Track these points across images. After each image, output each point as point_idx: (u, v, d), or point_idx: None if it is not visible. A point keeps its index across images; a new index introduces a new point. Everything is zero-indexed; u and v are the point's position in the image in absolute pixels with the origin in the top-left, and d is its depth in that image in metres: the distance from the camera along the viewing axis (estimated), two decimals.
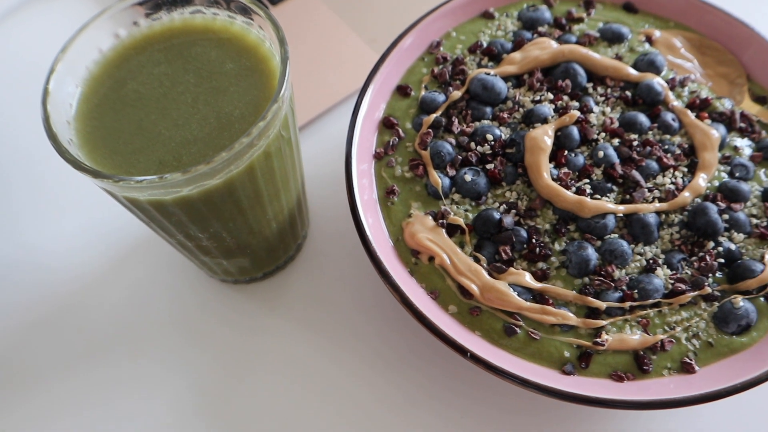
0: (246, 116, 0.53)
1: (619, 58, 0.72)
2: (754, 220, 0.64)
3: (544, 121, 0.66)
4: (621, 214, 0.62)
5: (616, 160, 0.64)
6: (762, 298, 0.61)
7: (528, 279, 0.60)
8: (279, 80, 0.51)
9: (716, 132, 0.66)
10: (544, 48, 0.70)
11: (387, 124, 0.69)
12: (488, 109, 0.68)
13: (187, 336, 0.69)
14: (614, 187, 0.64)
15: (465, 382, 0.65)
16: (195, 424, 0.64)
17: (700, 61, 0.74)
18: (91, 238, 0.75)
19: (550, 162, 0.65)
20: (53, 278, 0.72)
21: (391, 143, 0.67)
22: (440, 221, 0.62)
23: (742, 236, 0.63)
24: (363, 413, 0.64)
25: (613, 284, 0.60)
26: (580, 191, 0.62)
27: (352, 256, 0.72)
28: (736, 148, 0.68)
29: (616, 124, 0.67)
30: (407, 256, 0.63)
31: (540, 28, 0.74)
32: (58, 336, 0.69)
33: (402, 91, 0.71)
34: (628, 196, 0.63)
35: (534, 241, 0.61)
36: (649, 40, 0.74)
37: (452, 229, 0.63)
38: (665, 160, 0.65)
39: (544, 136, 0.64)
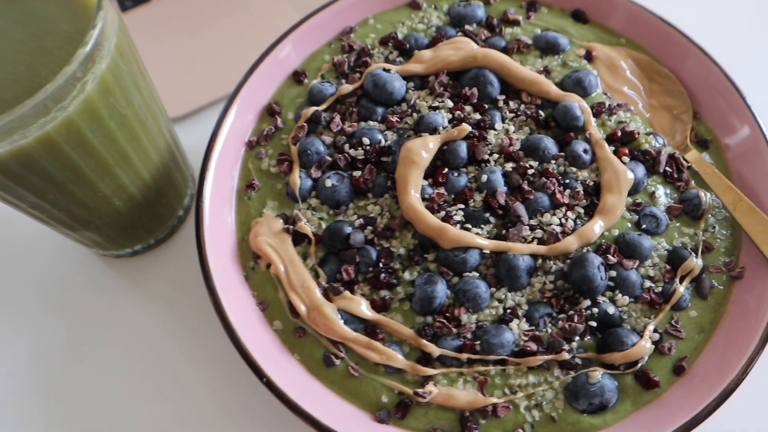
0: None
1: (547, 71, 0.63)
2: (648, 283, 0.54)
3: (434, 130, 0.58)
4: (488, 251, 0.54)
5: (501, 188, 0.56)
6: (631, 377, 0.51)
7: (363, 307, 0.53)
8: (81, 45, 0.46)
9: (630, 173, 0.56)
10: (459, 49, 0.62)
11: (269, 112, 0.63)
12: (380, 110, 0.61)
13: (46, 301, 0.66)
14: (492, 219, 0.55)
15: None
16: (28, 396, 0.61)
17: (646, 88, 0.63)
18: None
19: (427, 179, 0.57)
20: None
21: (265, 133, 0.61)
22: (288, 226, 0.56)
23: (627, 299, 0.53)
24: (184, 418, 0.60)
25: (454, 330, 0.52)
26: (448, 217, 0.54)
27: None
28: (652, 195, 0.57)
29: (517, 146, 0.58)
30: (247, 259, 0.57)
31: (467, 27, 0.66)
32: None
33: (296, 77, 0.64)
34: (504, 232, 0.55)
35: (381, 265, 0.54)
36: (589, 56, 0.64)
37: (301, 237, 0.56)
38: (559, 195, 0.55)
39: (421, 149, 0.56)
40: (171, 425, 0.60)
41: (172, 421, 0.60)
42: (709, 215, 0.57)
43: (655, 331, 0.52)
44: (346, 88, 0.61)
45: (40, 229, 0.68)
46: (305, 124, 0.60)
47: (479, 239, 0.53)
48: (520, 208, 0.55)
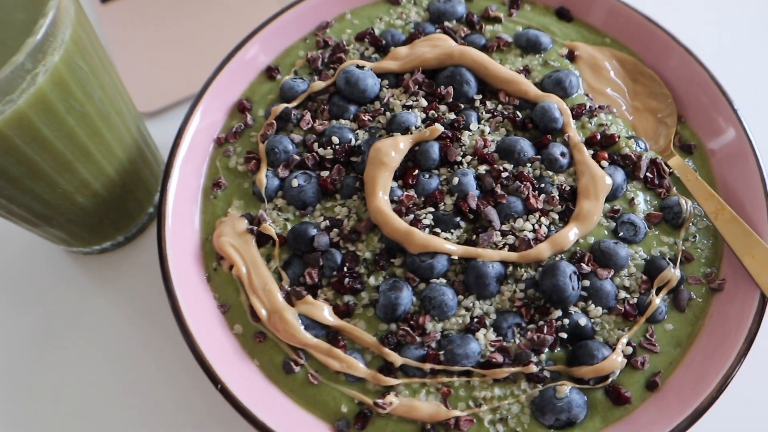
0: None
1: (527, 70, 0.60)
2: (623, 294, 0.51)
3: (406, 130, 0.56)
4: (457, 257, 0.52)
5: (472, 191, 0.53)
6: (601, 392, 0.49)
7: (325, 313, 0.51)
8: (31, 35, 0.44)
9: (609, 178, 0.54)
10: (435, 46, 0.60)
11: (240, 108, 0.61)
12: (353, 108, 0.59)
13: (12, 297, 0.65)
14: (462, 223, 0.53)
15: None
16: None
17: (630, 90, 0.61)
18: None
19: (397, 180, 0.55)
20: None
21: (234, 130, 0.60)
22: (252, 227, 0.54)
23: (600, 311, 0.51)
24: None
25: (418, 338, 0.50)
26: (416, 221, 0.52)
27: None
28: (631, 202, 0.55)
29: (492, 148, 0.56)
30: (210, 259, 0.55)
31: (447, 23, 0.63)
32: None
33: (269, 72, 0.62)
34: (475, 237, 0.53)
35: (346, 269, 0.52)
36: (572, 55, 0.61)
37: (265, 239, 0.55)
38: (533, 200, 0.53)
39: (390, 149, 0.54)
40: (136, 424, 0.59)
41: (137, 421, 0.59)
42: (690, 224, 0.54)
43: (628, 344, 0.50)
44: (318, 84, 0.59)
45: (7, 224, 0.67)
46: (274, 122, 0.58)
47: (448, 244, 0.51)
48: (492, 213, 0.53)
